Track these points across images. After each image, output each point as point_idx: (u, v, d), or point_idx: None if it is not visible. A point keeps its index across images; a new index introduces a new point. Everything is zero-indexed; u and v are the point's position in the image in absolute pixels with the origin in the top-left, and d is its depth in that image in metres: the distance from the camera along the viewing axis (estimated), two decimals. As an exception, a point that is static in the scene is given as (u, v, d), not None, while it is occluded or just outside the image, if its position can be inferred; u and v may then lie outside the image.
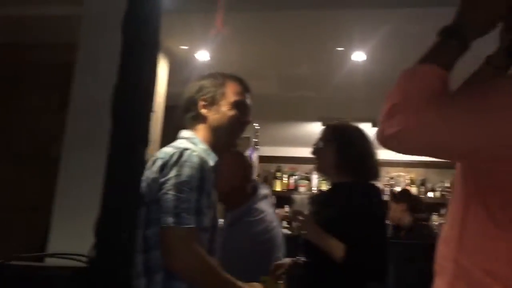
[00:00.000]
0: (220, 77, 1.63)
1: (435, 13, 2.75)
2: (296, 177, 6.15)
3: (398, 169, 5.79)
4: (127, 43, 1.16)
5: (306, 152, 6.86)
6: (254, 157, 3.26)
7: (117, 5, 1.23)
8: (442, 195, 5.68)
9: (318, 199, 2.20)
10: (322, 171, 2.15)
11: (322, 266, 1.87)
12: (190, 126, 1.59)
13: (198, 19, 3.00)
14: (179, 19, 3.15)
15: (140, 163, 1.14)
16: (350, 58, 3.54)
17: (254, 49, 3.62)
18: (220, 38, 3.15)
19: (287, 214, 3.93)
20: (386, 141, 0.89)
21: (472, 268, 0.89)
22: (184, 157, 1.42)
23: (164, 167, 1.42)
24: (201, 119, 1.58)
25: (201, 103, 1.58)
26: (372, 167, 2.04)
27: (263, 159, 6.09)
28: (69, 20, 3.04)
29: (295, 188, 6.07)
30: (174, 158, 1.43)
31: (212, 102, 1.58)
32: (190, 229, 1.37)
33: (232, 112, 1.58)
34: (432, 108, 0.84)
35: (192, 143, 1.53)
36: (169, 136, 3.89)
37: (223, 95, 1.59)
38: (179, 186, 1.38)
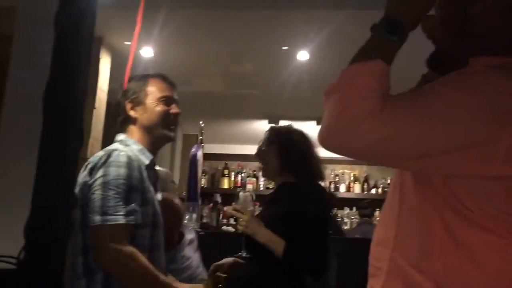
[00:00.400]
0: (142, 77, 1.69)
1: (375, 15, 2.85)
2: (244, 174, 6.17)
3: (342, 167, 5.95)
4: (59, 38, 1.12)
5: (253, 149, 6.89)
6: (199, 154, 3.24)
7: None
8: (384, 192, 5.89)
9: (265, 199, 2.27)
10: (267, 173, 2.20)
11: (264, 262, 1.92)
12: (122, 129, 1.64)
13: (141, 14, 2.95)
14: (122, 15, 3.08)
15: (73, 161, 1.10)
16: (295, 57, 3.59)
17: (199, 47, 3.60)
18: (163, 35, 3.11)
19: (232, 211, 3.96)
20: (335, 148, 0.89)
21: (406, 266, 0.91)
22: (112, 158, 1.46)
23: (93, 170, 1.47)
24: (131, 121, 1.63)
25: (128, 105, 1.62)
26: (315, 167, 2.10)
27: (210, 156, 6.08)
28: (5, 11, 2.91)
29: (243, 186, 6.10)
30: (103, 159, 1.47)
31: (138, 103, 1.63)
32: (118, 226, 1.40)
33: (159, 108, 1.63)
34: (376, 113, 0.82)
35: (125, 145, 1.57)
36: (112, 133, 3.82)
37: (147, 94, 1.63)
38: (105, 185, 1.42)
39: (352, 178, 6.01)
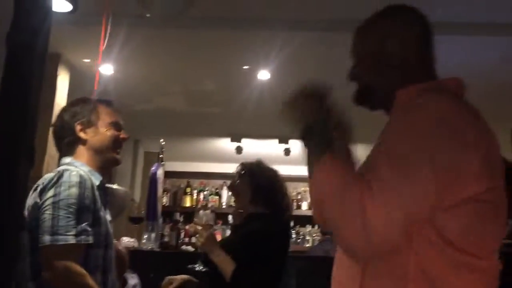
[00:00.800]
0: (87, 100, 1.72)
1: (333, 36, 2.95)
2: (206, 192, 6.13)
3: (304, 185, 5.99)
4: (11, 54, 1.10)
5: (215, 167, 6.87)
6: (160, 173, 3.21)
7: (6, 13, 1.17)
8: (345, 209, 5.95)
9: (235, 227, 2.35)
10: (240, 204, 2.28)
11: (219, 277, 1.96)
12: (68, 152, 1.63)
13: (100, 32, 2.93)
14: (80, 32, 3.05)
15: (23, 183, 1.07)
16: (256, 76, 3.63)
17: (160, 65, 3.59)
18: (124, 53, 3.09)
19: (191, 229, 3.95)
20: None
21: None
22: (63, 178, 1.45)
23: (43, 191, 1.45)
24: (80, 142, 1.63)
25: (78, 127, 1.62)
26: (284, 199, 2.23)
27: (172, 174, 6.02)
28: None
29: (205, 204, 6.05)
30: (54, 179, 1.46)
31: (88, 125, 1.64)
32: (69, 246, 1.39)
33: (110, 132, 1.66)
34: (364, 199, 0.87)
35: (74, 166, 1.56)
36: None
37: (98, 117, 1.66)
38: (55, 205, 1.41)
39: (314, 196, 6.07)
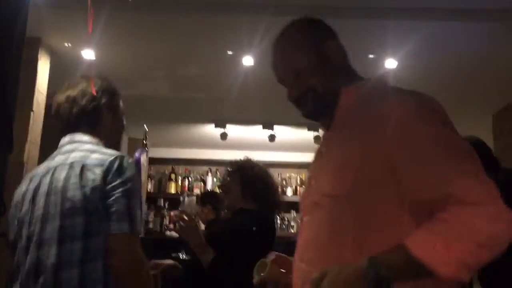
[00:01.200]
0: (112, 84, 1.64)
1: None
2: (191, 178, 6.12)
3: (289, 170, 6.02)
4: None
5: (200, 153, 6.87)
6: (143, 159, 3.19)
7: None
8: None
9: (223, 221, 2.37)
10: (230, 201, 2.31)
11: (200, 266, 1.98)
12: (86, 129, 1.53)
13: (82, 15, 2.88)
14: (61, 15, 2.99)
15: (1, 164, 1.06)
16: (240, 62, 3.61)
17: (143, 49, 3.54)
18: (106, 37, 3.04)
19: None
20: None
21: None
22: (125, 164, 1.40)
23: (107, 175, 1.37)
24: (101, 125, 1.55)
25: (106, 109, 1.56)
26: (275, 196, 2.28)
27: (156, 161, 6.00)
28: None
29: (190, 190, 6.04)
30: (116, 165, 1.39)
31: (113, 110, 1.59)
32: (139, 238, 1.40)
33: (124, 122, 1.65)
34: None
35: (98, 146, 1.50)
36: (51, 137, 3.67)
37: (119, 105, 1.62)
38: (128, 193, 1.36)
39: (298, 182, 6.10)
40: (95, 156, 1.41)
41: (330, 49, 1.15)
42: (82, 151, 1.43)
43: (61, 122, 1.55)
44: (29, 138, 3.17)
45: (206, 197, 4.08)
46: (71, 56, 3.46)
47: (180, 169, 6.14)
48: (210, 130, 5.29)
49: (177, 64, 3.80)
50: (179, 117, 5.18)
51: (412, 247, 0.86)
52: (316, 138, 4.79)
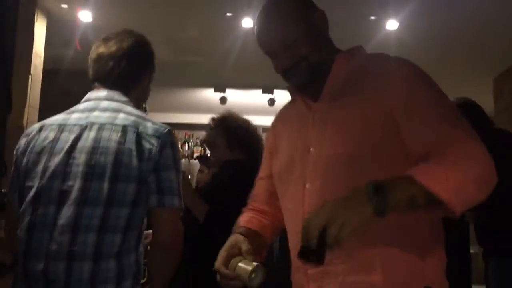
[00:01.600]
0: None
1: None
2: (191, 143, 6.14)
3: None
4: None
5: (200, 118, 6.90)
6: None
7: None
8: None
9: (213, 175, 2.37)
10: (216, 153, 2.30)
11: (196, 222, 1.99)
12: (123, 89, 1.42)
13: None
14: (57, -25, 2.92)
15: (0, 126, 1.06)
16: (239, 24, 3.55)
17: (141, 12, 3.48)
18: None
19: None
20: None
21: None
22: (173, 137, 1.35)
23: (163, 147, 1.30)
24: (137, 87, 1.46)
25: (147, 72, 1.48)
26: (258, 141, 2.26)
27: (156, 125, 5.98)
28: None
29: (190, 155, 6.07)
30: (170, 138, 1.33)
31: (150, 74, 1.50)
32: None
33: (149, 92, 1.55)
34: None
35: (130, 107, 1.39)
36: (49, 99, 3.67)
37: (155, 68, 1.52)
38: (178, 169, 1.33)
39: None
40: (149, 125, 1.33)
41: (319, 20, 1.15)
42: (130, 114, 1.35)
43: (95, 75, 1.43)
44: (28, 102, 3.16)
45: (203, 160, 4.09)
46: (68, 18, 3.41)
47: (180, 133, 6.15)
48: (210, 94, 5.27)
49: (175, 26, 3.75)
50: (179, 82, 5.14)
51: (414, 173, 0.90)
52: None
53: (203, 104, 5.68)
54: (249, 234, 1.16)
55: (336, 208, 0.88)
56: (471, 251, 2.80)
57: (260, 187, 1.31)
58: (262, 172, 1.31)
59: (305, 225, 0.88)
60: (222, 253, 1.09)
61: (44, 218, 1.24)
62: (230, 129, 2.23)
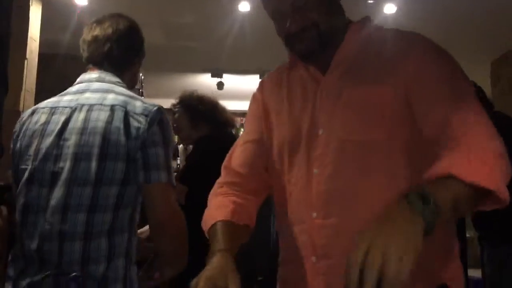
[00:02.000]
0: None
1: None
2: (186, 128, 6.14)
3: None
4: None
5: (196, 103, 6.73)
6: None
7: None
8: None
9: (187, 157, 2.39)
10: (182, 134, 2.30)
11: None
12: (114, 71, 1.42)
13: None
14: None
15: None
16: (236, 7, 3.53)
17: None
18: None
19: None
20: None
21: None
22: (166, 117, 1.34)
23: (151, 125, 1.30)
24: (128, 70, 1.45)
25: (137, 55, 1.47)
26: (222, 112, 2.28)
27: (153, 111, 5.96)
28: None
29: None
30: (159, 116, 1.32)
31: (140, 58, 1.49)
32: (174, 188, 1.34)
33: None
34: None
35: (121, 87, 1.39)
36: (45, 84, 3.64)
37: (145, 53, 1.52)
38: (167, 146, 1.32)
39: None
40: (138, 104, 1.33)
41: None
42: (120, 94, 1.35)
43: (89, 57, 1.43)
44: (24, 87, 3.14)
45: None
46: (63, 2, 3.37)
47: (176, 119, 6.14)
48: (207, 79, 5.25)
49: (171, 10, 3.72)
50: (175, 67, 5.12)
51: (456, 173, 0.77)
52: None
53: (200, 89, 5.65)
54: (231, 238, 0.98)
55: (382, 238, 0.69)
56: (467, 235, 2.83)
57: (246, 150, 1.14)
58: (249, 136, 1.15)
59: (350, 264, 0.69)
60: (203, 281, 0.84)
61: (38, 200, 1.25)
62: (191, 106, 2.22)
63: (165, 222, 1.30)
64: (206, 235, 1.02)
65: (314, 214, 0.99)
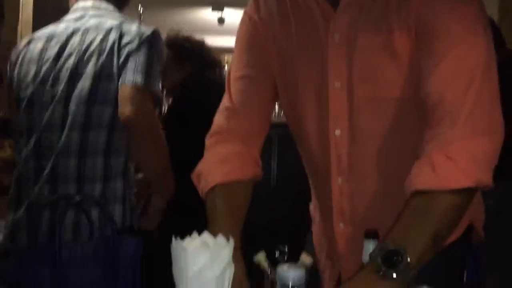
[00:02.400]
0: None
1: None
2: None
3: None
4: None
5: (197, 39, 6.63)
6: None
7: None
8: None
9: (172, 101, 2.36)
10: (173, 81, 2.18)
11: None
12: (115, 2, 1.46)
13: None
14: None
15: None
16: None
17: None
18: None
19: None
20: None
21: None
22: (155, 36, 1.37)
23: (141, 43, 1.33)
24: (127, 4, 1.51)
25: None
26: (209, 52, 2.22)
27: (152, 46, 5.86)
28: None
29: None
30: (154, 36, 1.36)
31: None
32: (157, 98, 1.37)
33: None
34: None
35: (117, 13, 1.44)
36: (43, 16, 3.55)
37: None
38: (152, 57, 1.34)
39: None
40: (134, 27, 1.36)
41: None
42: (116, 19, 1.38)
43: None
44: (21, 18, 3.07)
45: None
46: None
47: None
48: (207, 14, 5.12)
49: None
50: (173, 0, 4.98)
51: (415, 187, 0.75)
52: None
53: (201, 25, 5.53)
54: (233, 215, 0.90)
55: None
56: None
57: (246, 88, 1.00)
58: (248, 70, 1.01)
59: None
60: None
61: (40, 122, 1.32)
62: (177, 44, 2.15)
63: (132, 121, 1.28)
64: (201, 193, 0.94)
65: (339, 180, 0.92)
